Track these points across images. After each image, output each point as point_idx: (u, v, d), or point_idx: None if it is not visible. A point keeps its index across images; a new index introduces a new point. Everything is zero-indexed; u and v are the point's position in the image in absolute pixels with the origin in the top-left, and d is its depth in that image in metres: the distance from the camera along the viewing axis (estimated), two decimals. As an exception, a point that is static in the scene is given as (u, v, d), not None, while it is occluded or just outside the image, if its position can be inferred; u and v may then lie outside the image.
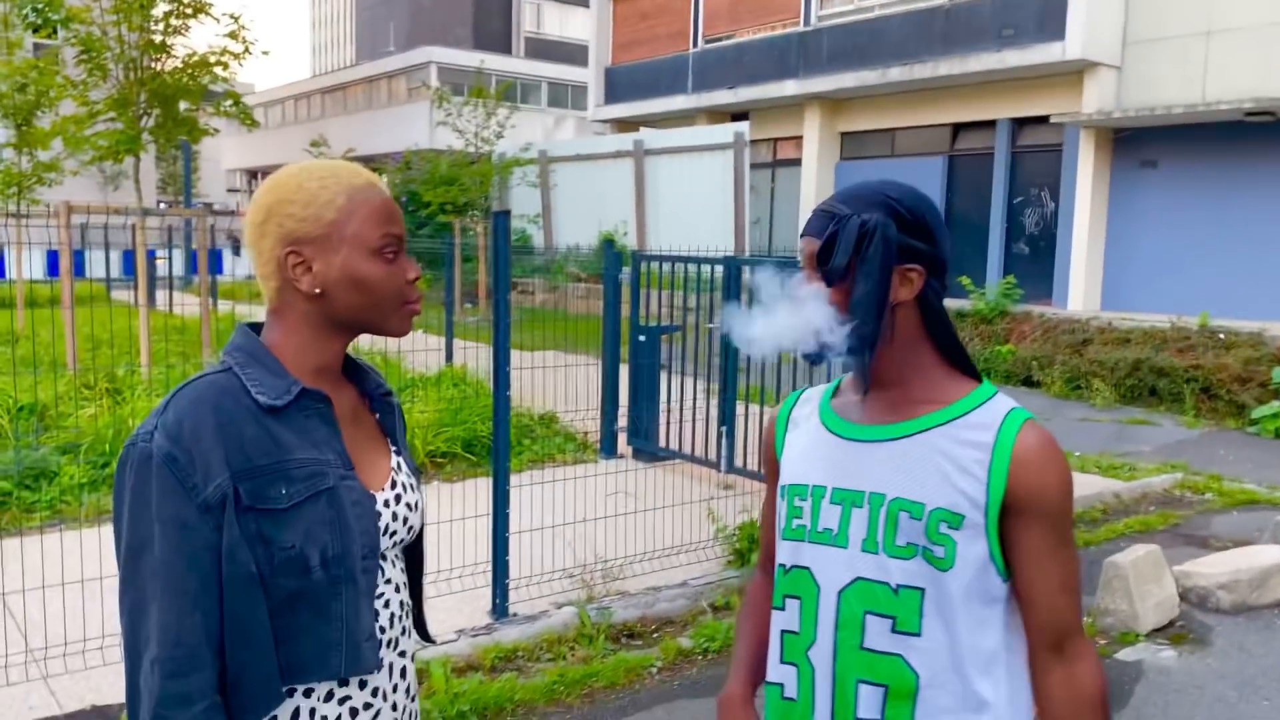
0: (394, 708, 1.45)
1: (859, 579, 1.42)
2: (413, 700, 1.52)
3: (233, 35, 9.92)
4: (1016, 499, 1.37)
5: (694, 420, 7.04)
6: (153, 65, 9.63)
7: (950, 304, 10.28)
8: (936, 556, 1.38)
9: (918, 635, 1.39)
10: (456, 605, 4.62)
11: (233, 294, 17.19)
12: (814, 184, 19.36)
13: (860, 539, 1.43)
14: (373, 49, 58.56)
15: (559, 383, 6.73)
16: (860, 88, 18.07)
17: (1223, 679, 4.25)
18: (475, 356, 8.58)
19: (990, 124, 16.97)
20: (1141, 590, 4.68)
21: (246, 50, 9.85)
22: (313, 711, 1.35)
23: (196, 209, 11.06)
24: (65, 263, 8.60)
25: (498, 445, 4.61)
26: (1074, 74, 15.29)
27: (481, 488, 5.66)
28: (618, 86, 23.80)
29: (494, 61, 32.87)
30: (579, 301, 16.93)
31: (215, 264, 21.70)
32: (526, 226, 21.40)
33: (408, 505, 1.49)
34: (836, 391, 1.58)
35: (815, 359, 1.47)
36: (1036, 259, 16.32)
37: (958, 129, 17.70)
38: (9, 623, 4.26)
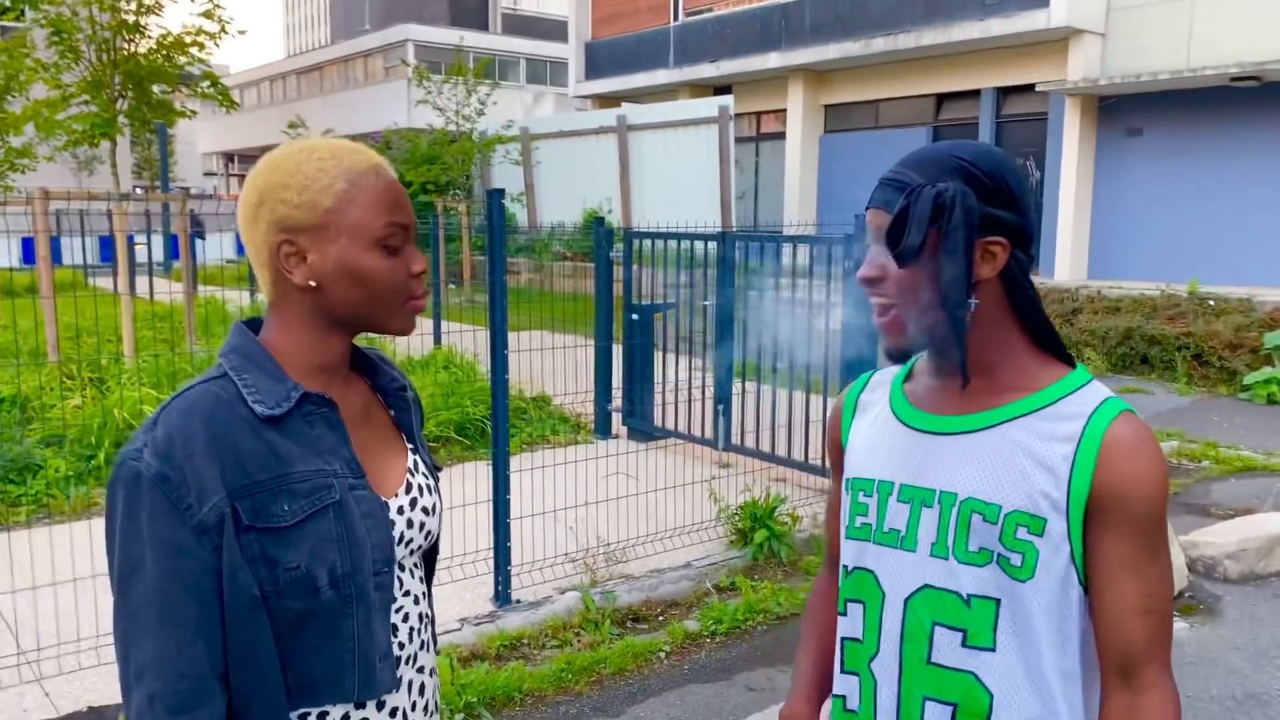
0: None
1: (927, 586, 1.29)
2: (432, 717, 1.42)
3: (207, 15, 9.72)
4: (1099, 500, 1.20)
5: (690, 399, 6.96)
6: (126, 46, 9.41)
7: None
8: (1013, 565, 1.23)
9: (991, 650, 1.25)
10: (458, 593, 4.54)
11: (211, 279, 16.95)
12: (798, 157, 19.25)
13: (930, 542, 1.29)
14: (347, 28, 57.85)
15: (550, 363, 6.63)
16: (843, 59, 17.94)
17: (1236, 650, 4.22)
18: (463, 338, 8.47)
19: (975, 94, 16.89)
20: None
21: (223, 30, 9.64)
22: None
23: (174, 193, 10.84)
24: (42, 250, 8.41)
25: (496, 430, 4.52)
26: (1059, 42, 15.21)
27: (478, 471, 5.58)
28: (598, 62, 23.56)
29: (471, 38, 32.52)
30: (566, 280, 16.79)
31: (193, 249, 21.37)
32: (510, 205, 21.20)
33: (424, 510, 1.38)
34: (910, 375, 1.42)
35: (899, 357, 1.32)
36: (1023, 229, 16.27)
37: (942, 99, 17.61)
38: (-1, 622, 4.15)
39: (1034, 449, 1.24)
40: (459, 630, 4.24)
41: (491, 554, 4.56)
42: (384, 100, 32.55)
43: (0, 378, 7.11)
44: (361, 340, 1.42)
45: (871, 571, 1.35)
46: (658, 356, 7.33)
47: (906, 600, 1.30)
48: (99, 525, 1.27)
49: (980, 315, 1.27)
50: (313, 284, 1.25)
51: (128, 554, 1.16)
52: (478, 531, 4.78)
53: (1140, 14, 14.54)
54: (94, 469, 6.14)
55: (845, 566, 1.40)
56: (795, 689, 1.55)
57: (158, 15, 9.38)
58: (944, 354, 1.30)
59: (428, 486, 1.41)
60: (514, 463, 4.80)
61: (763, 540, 5.17)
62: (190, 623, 1.15)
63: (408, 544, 1.34)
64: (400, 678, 1.33)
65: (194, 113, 11.80)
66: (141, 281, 16.63)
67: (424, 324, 10.84)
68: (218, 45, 9.92)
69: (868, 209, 1.33)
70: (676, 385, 7.00)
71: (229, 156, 48.15)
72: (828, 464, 5.56)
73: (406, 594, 1.35)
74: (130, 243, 15.28)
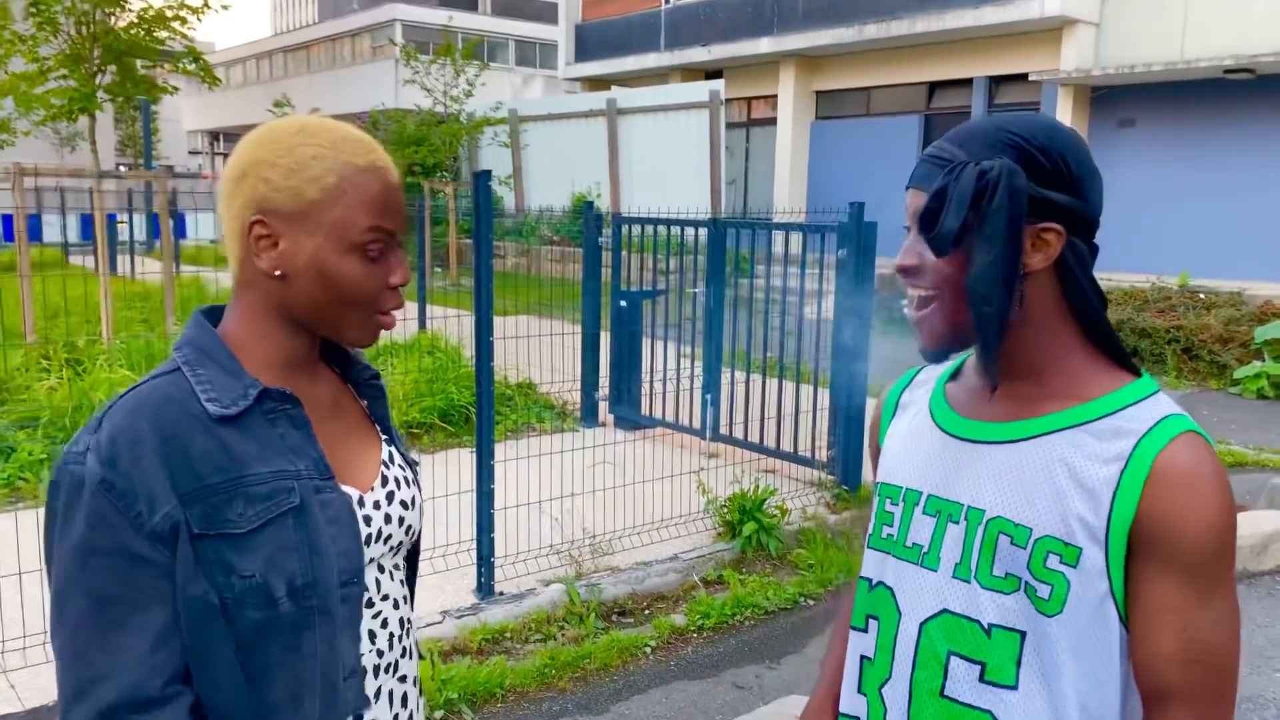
0: None
1: (945, 611, 1.16)
2: None
3: (190, -12, 9.53)
4: (1143, 534, 1.06)
5: (678, 388, 6.85)
6: (106, 19, 9.20)
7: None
8: (1040, 597, 1.09)
9: (1013, 689, 1.11)
10: (440, 584, 4.43)
11: (197, 259, 16.74)
12: (789, 144, 19.13)
13: (953, 562, 1.16)
14: (335, 6, 57.24)
15: (537, 349, 6.51)
16: (836, 45, 17.81)
17: (1230, 650, 4.16)
18: (448, 322, 8.34)
19: (967, 82, 16.79)
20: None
21: (205, 5, 9.44)
22: None
23: (157, 171, 10.63)
24: (19, 225, 8.23)
25: (481, 420, 4.40)
26: (1052, 31, 15.12)
27: (461, 459, 5.46)
28: (588, 44, 23.35)
29: (460, 19, 32.21)
30: (553, 265, 16.65)
31: (179, 228, 21.17)
32: (497, 188, 21.02)
33: (403, 503, 1.29)
34: (956, 373, 1.30)
35: (936, 358, 1.20)
36: (1013, 219, 16.21)
37: (934, 87, 17.51)
38: (-35, 611, 4.02)
39: (1076, 467, 1.10)
40: (440, 623, 4.13)
41: (474, 545, 4.46)
42: (371, 80, 32.22)
43: (-27, 357, 6.95)
44: None
45: (890, 588, 1.24)
46: (646, 344, 7.22)
47: (922, 624, 1.18)
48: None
49: (1030, 312, 1.13)
50: (278, 273, 1.15)
51: (68, 565, 1.07)
52: (460, 522, 4.67)
53: (1134, 4, 14.46)
54: (68, 452, 5.99)
55: (867, 579, 1.29)
56: (819, 688, 1.45)
57: (139, -12, 9.20)
58: (982, 354, 1.16)
59: (406, 479, 1.31)
60: (498, 451, 4.69)
61: (751, 533, 5.08)
62: (151, 629, 1.07)
63: (387, 540, 1.25)
64: (380, 688, 1.24)
65: (175, 89, 11.58)
66: (124, 260, 16.43)
67: (409, 308, 10.69)
68: (200, 20, 9.72)
69: (907, 188, 1.18)
70: (664, 374, 6.89)
71: (214, 135, 47.66)
72: (816, 456, 5.40)
73: (385, 598, 1.26)
74: (113, 221, 15.06)
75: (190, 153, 50.84)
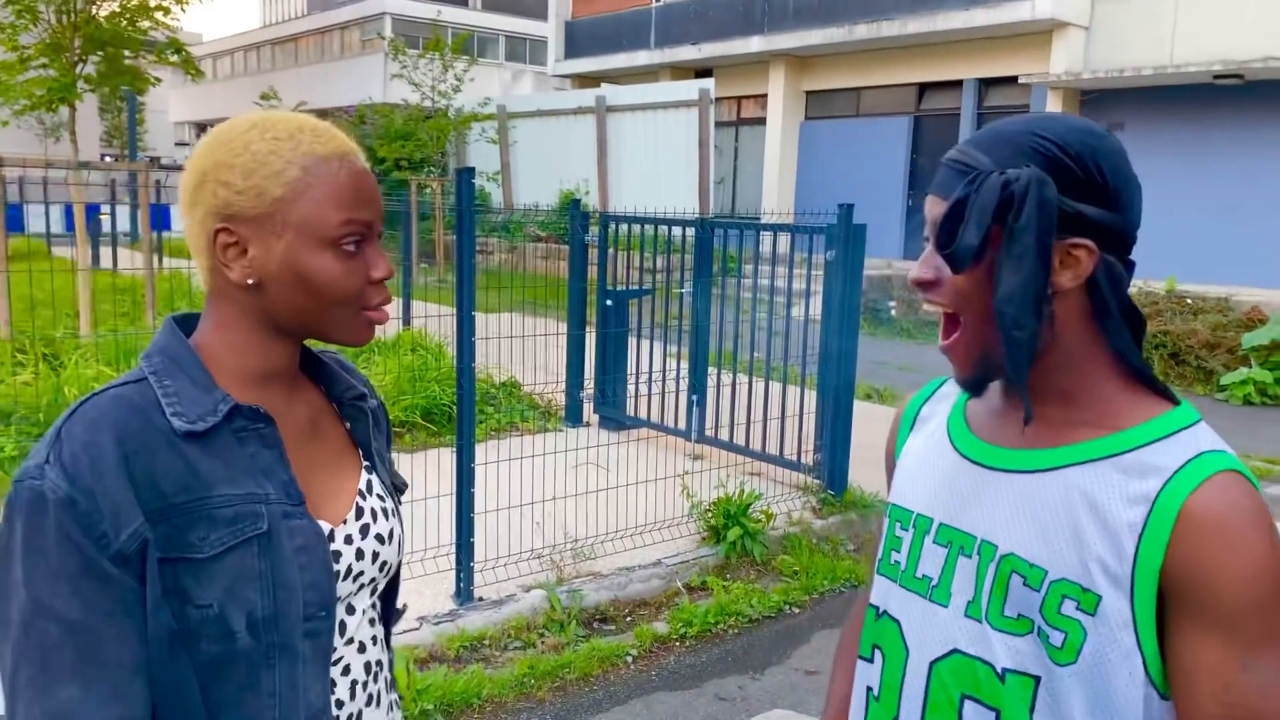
0: None
1: (956, 651, 1.07)
2: None
3: (174, -22, 9.40)
4: (1173, 584, 0.95)
5: (664, 388, 6.78)
6: (88, 9, 9.07)
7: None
8: (1052, 644, 1.00)
9: None
10: (417, 589, 4.34)
11: (181, 251, 16.56)
12: (778, 143, 19.08)
13: (965, 599, 1.07)
14: (324, -1, 56.93)
15: (521, 347, 6.43)
16: (826, 45, 17.76)
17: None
18: (434, 319, 8.25)
19: (957, 84, 16.76)
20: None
21: (189, -6, 9.33)
22: None
23: (140, 162, 10.50)
24: (-3, 217, 8.08)
25: (462, 421, 4.32)
26: (1042, 34, 15.10)
27: (442, 458, 5.37)
28: (578, 41, 23.25)
29: (450, 13, 32.01)
30: (540, 262, 16.56)
31: (163, 220, 20.95)
32: (485, 184, 20.91)
33: (378, 537, 1.19)
34: (962, 388, 1.20)
35: (976, 388, 1.10)
36: (1002, 222, 16.20)
37: (924, 89, 17.48)
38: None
39: (1101, 504, 1.00)
40: (417, 629, 4.05)
41: (454, 549, 4.37)
42: (359, 74, 32.01)
43: (-53, 351, 6.82)
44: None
45: (897, 621, 1.16)
46: (632, 343, 7.15)
47: (933, 664, 1.10)
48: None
49: (1058, 333, 1.04)
50: (251, 282, 1.07)
51: (30, 591, 0.98)
52: (440, 525, 4.59)
53: (1124, 8, 14.45)
54: (42, 449, 5.88)
55: (874, 607, 1.21)
56: (828, 714, 1.38)
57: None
58: (1013, 381, 1.06)
59: (384, 510, 1.21)
60: (480, 452, 4.61)
61: (736, 538, 5.01)
62: (126, 659, 0.99)
63: (357, 578, 1.15)
64: None
65: (158, 80, 11.44)
66: (107, 252, 16.24)
67: (393, 305, 10.58)
68: (184, 10, 9.59)
69: (927, 194, 1.09)
70: (650, 374, 6.82)
71: (201, 127, 47.28)
72: (802, 459, 5.32)
73: (350, 641, 1.16)
74: (95, 212, 14.87)
75: (177, 144, 50.46)
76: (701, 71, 20.58)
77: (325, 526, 1.13)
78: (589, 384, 7.41)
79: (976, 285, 1.03)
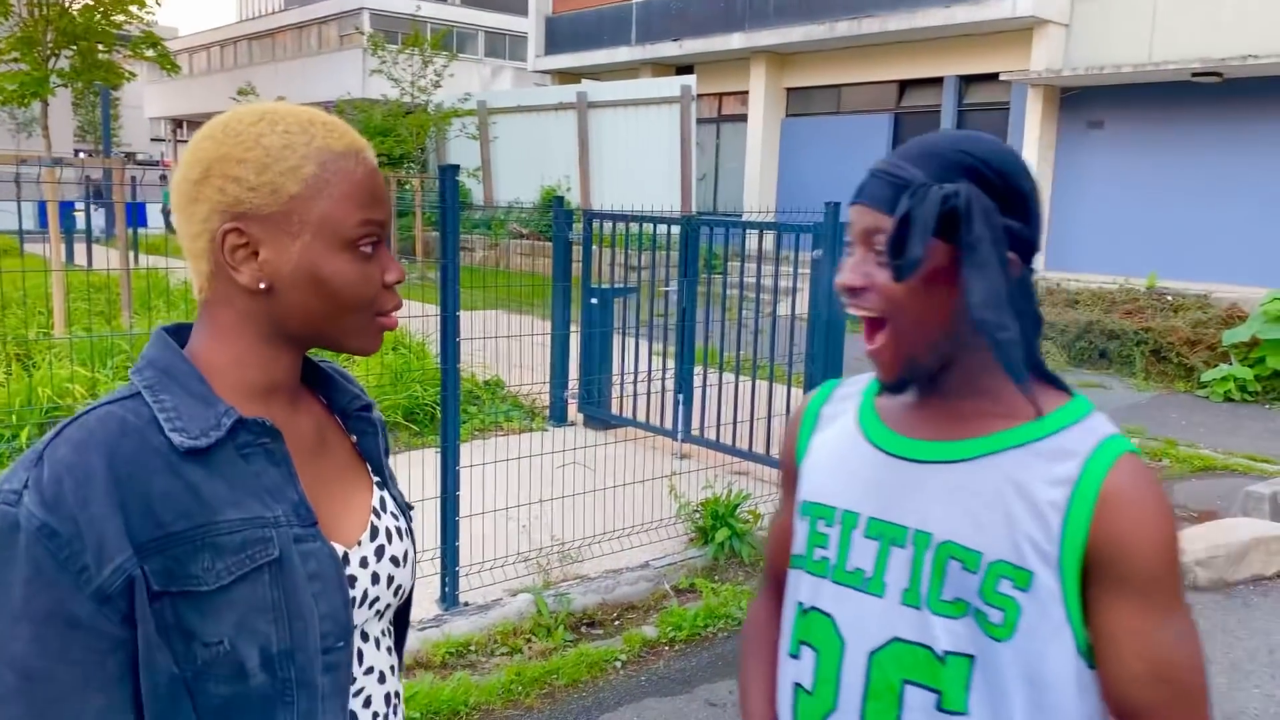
0: None
1: (896, 640, 1.11)
2: None
3: (149, -28, 9.24)
4: (1097, 557, 1.04)
5: (649, 387, 6.72)
6: (60, 2, 8.90)
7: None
8: (991, 622, 1.07)
9: (964, 715, 1.09)
10: (402, 594, 4.27)
11: (156, 250, 16.37)
12: (759, 140, 19.05)
13: (900, 589, 1.12)
14: (302, -6, 56.45)
15: (505, 346, 6.36)
16: (807, 42, 17.73)
17: (1211, 664, 4.08)
18: (416, 318, 8.16)
19: (937, 81, 16.78)
20: (1123, 570, 4.50)
21: (164, -12, 9.17)
22: None
23: (115, 158, 10.33)
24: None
25: (446, 423, 4.25)
26: (1023, 31, 15.13)
27: (426, 459, 5.29)
28: (559, 37, 23.13)
29: (429, 8, 31.78)
30: (522, 259, 16.47)
31: (139, 217, 20.70)
32: (465, 181, 20.77)
33: (394, 560, 1.11)
34: (883, 389, 1.24)
35: (898, 389, 1.15)
36: (982, 219, 16.23)
37: (904, 86, 17.49)
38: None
39: (1026, 488, 1.07)
40: (402, 636, 3.98)
41: (438, 553, 4.30)
42: (338, 69, 31.75)
43: (-83, 351, 6.68)
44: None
45: (829, 616, 1.18)
46: (617, 342, 7.09)
47: (871, 654, 1.13)
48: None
49: (978, 335, 1.09)
50: (263, 286, 0.98)
51: None
52: (424, 528, 4.50)
53: (1104, 6, 14.49)
54: (15, 451, 5.76)
55: (800, 604, 1.22)
56: (759, 703, 1.33)
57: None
58: (1011, 378, 1.09)
59: (398, 530, 1.13)
60: (464, 453, 4.54)
61: (724, 539, 4.97)
62: (89, 716, 0.88)
63: (373, 604, 1.07)
64: None
65: (133, 74, 11.27)
66: (81, 250, 16.00)
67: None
68: (159, 4, 9.43)
69: (853, 203, 1.14)
70: (635, 373, 6.76)
71: (177, 122, 46.81)
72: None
73: (369, 670, 1.08)
74: (69, 209, 14.63)
75: (152, 140, 49.94)
76: (682, 68, 20.53)
77: (339, 549, 1.05)
78: (573, 383, 7.35)
79: (908, 293, 1.08)
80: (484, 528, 4.70)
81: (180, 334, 1.05)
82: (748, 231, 6.89)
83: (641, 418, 6.82)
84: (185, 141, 48.85)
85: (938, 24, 15.60)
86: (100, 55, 9.75)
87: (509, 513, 4.91)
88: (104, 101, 10.52)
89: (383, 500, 1.14)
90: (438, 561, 4.29)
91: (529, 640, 4.08)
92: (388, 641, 1.14)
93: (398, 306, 1.06)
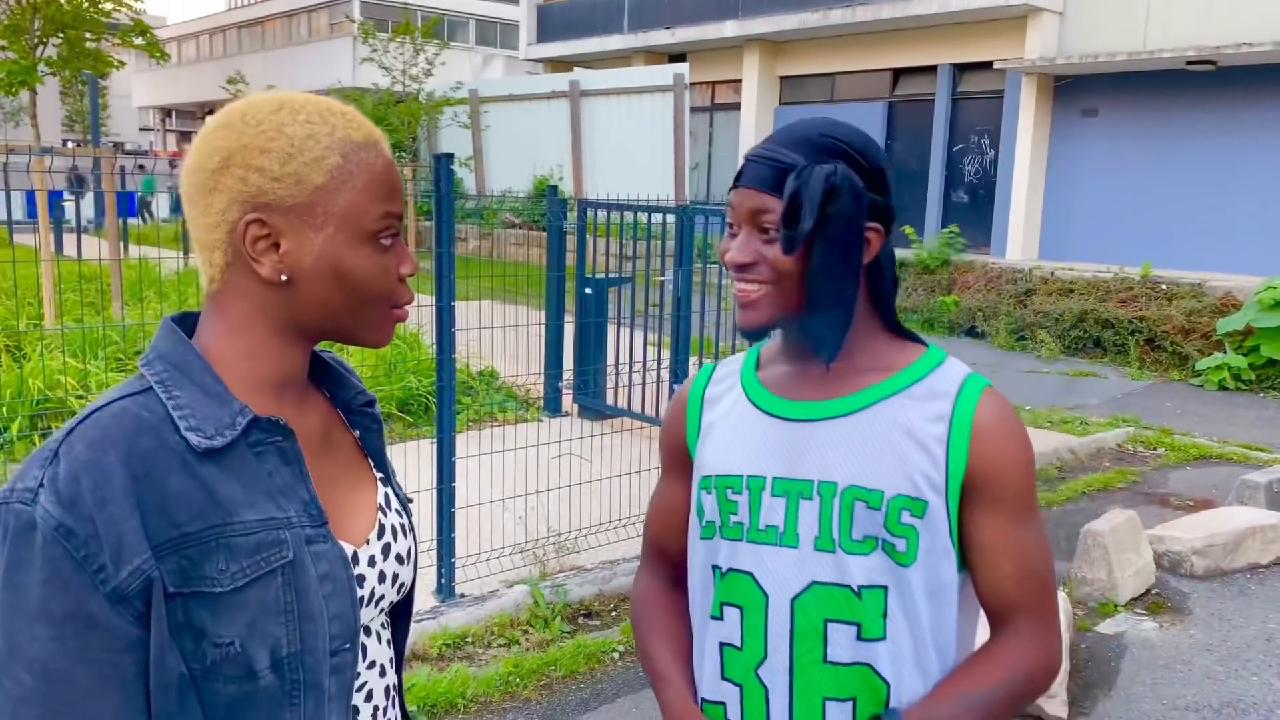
0: None
1: (814, 584, 1.22)
2: None
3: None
4: (975, 480, 1.21)
5: (644, 377, 6.70)
6: (48, -10, 8.83)
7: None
8: (898, 551, 1.20)
9: (883, 640, 1.21)
10: (398, 586, 4.25)
11: (144, 239, 16.26)
12: (753, 129, 18.98)
13: (813, 536, 1.23)
14: (291, -18, 56.08)
15: (500, 336, 6.33)
16: (801, 30, 17.67)
17: (1207, 651, 4.09)
18: (409, 307, 8.11)
19: (931, 69, 16.73)
20: (1121, 559, 4.50)
21: (153, -25, 9.07)
22: None
23: (104, 148, 10.25)
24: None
25: (442, 414, 4.22)
26: (1017, 19, 15.09)
27: (421, 450, 5.27)
28: (550, 24, 23.02)
29: (420, -4, 31.65)
30: (515, 249, 16.41)
31: (129, 207, 20.57)
32: (457, 169, 20.65)
33: (398, 558, 1.10)
34: (759, 364, 1.37)
35: (756, 335, 1.28)
36: (975, 207, 16.23)
37: (898, 74, 17.44)
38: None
39: (911, 427, 1.22)
40: (398, 628, 3.96)
41: (434, 545, 4.28)
42: (328, 57, 31.59)
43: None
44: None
45: (749, 573, 1.26)
46: (611, 332, 7.06)
47: (794, 600, 1.23)
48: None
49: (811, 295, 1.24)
50: (284, 278, 0.96)
51: (5, 632, 0.87)
52: (419, 520, 4.48)
53: (1098, -7, 14.46)
54: (5, 443, 5.72)
55: (717, 568, 1.30)
56: (675, 689, 1.33)
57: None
58: (821, 339, 1.24)
59: (402, 527, 1.13)
60: (459, 444, 4.51)
61: (720, 530, 4.95)
62: (107, 716, 0.87)
63: (376, 602, 1.07)
64: None
65: (121, 63, 11.18)
66: (70, 240, 15.90)
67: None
68: (148, -8, 9.42)
69: (735, 188, 1.25)
70: (630, 363, 6.74)
71: (166, 111, 46.56)
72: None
73: (372, 665, 1.08)
74: (58, 198, 14.55)
75: (141, 129, 49.66)
76: (675, 56, 20.45)
77: (348, 548, 1.03)
78: (568, 374, 7.32)
79: (792, 264, 1.20)
80: (480, 519, 4.68)
81: (185, 323, 1.02)
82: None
83: (637, 408, 6.80)
84: (174, 131, 48.51)
85: (932, 11, 15.55)
86: (88, 43, 9.65)
87: (504, 504, 4.89)
88: (92, 90, 10.44)
89: (387, 497, 1.13)
90: (434, 553, 4.27)
91: (526, 632, 4.07)
92: (387, 634, 1.13)
93: (411, 300, 1.05)
